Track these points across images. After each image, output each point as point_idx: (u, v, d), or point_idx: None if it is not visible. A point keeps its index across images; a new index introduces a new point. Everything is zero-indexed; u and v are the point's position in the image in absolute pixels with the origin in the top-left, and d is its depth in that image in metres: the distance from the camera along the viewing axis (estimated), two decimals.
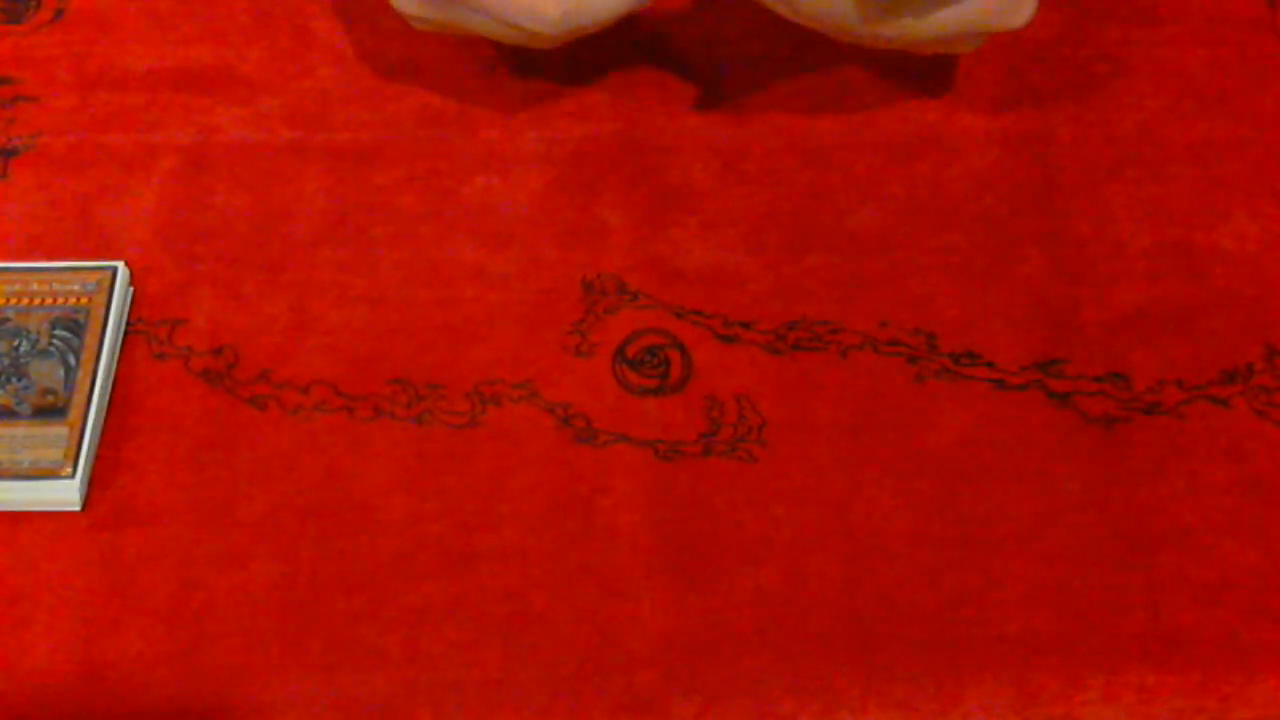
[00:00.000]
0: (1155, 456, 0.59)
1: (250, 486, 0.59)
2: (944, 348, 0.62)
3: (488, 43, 0.66)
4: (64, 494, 0.58)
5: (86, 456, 0.59)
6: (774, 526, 0.58)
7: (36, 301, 0.62)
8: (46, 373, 0.60)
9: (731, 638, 0.56)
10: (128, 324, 0.63)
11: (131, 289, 0.63)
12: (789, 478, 0.59)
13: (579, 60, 0.70)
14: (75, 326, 0.61)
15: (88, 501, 0.59)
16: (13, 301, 0.62)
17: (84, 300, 0.62)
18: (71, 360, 0.60)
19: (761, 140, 0.68)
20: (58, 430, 0.59)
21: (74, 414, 0.59)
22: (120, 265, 0.63)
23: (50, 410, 0.59)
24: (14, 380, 0.60)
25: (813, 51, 0.70)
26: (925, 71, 0.69)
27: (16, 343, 0.61)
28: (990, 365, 0.62)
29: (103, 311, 0.61)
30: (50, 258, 0.64)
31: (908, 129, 0.68)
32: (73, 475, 0.58)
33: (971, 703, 0.54)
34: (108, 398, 0.61)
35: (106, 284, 0.62)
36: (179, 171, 0.67)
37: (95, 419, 0.59)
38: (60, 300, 0.62)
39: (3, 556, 0.58)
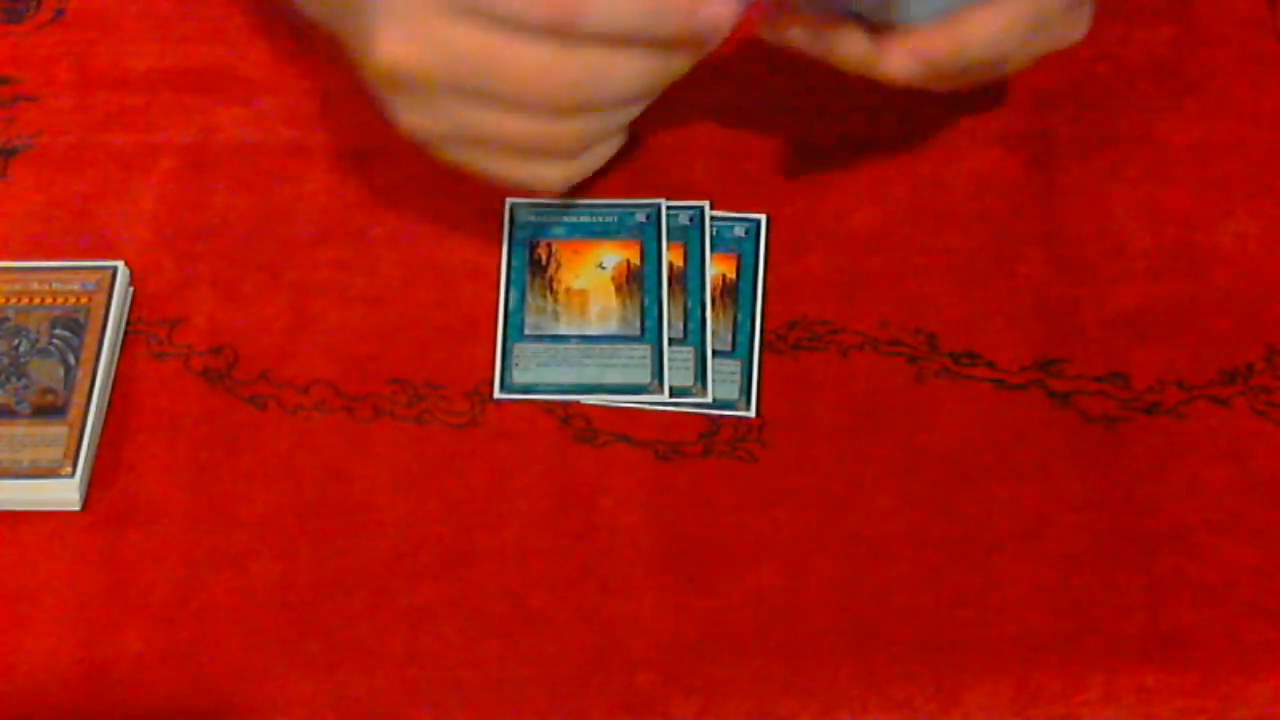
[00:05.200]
0: (1155, 456, 0.59)
1: (250, 486, 0.59)
2: (944, 348, 0.62)
3: None
4: (64, 493, 0.58)
5: (86, 456, 0.59)
6: (774, 526, 0.58)
7: (36, 301, 0.62)
8: (46, 372, 0.60)
9: (731, 638, 0.56)
10: (127, 324, 0.63)
11: (131, 289, 0.63)
12: (789, 478, 0.59)
13: None
14: (75, 326, 0.61)
15: (88, 501, 0.59)
16: (13, 301, 0.62)
17: (84, 300, 0.62)
18: (71, 360, 0.60)
19: (761, 140, 0.68)
20: (57, 430, 0.59)
21: (74, 413, 0.59)
22: (120, 265, 0.63)
23: (50, 410, 0.59)
24: (14, 380, 0.60)
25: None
26: None
27: (16, 342, 0.61)
28: (990, 365, 0.61)
29: (103, 311, 0.61)
30: (50, 258, 0.64)
31: (908, 129, 0.68)
32: (72, 475, 0.58)
33: (971, 703, 0.54)
34: (107, 397, 0.61)
35: (106, 284, 0.62)
36: (179, 171, 0.67)
37: (95, 419, 0.59)
38: (60, 300, 0.62)
39: (3, 556, 0.58)
